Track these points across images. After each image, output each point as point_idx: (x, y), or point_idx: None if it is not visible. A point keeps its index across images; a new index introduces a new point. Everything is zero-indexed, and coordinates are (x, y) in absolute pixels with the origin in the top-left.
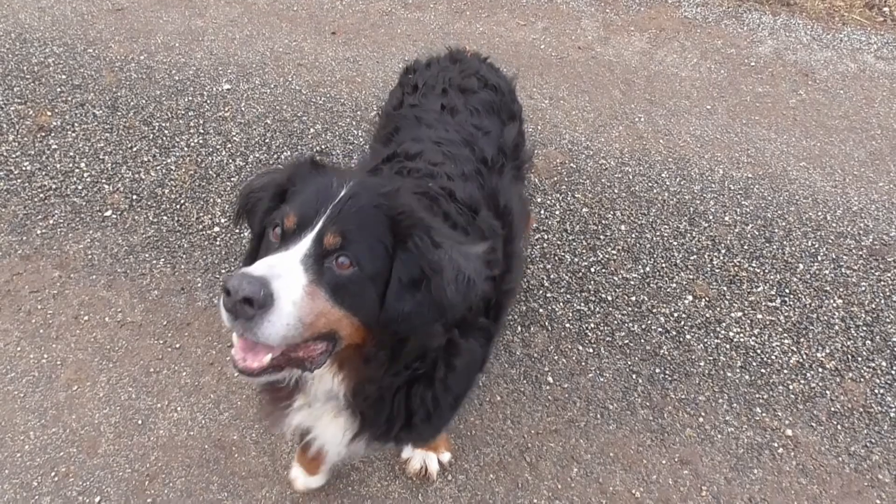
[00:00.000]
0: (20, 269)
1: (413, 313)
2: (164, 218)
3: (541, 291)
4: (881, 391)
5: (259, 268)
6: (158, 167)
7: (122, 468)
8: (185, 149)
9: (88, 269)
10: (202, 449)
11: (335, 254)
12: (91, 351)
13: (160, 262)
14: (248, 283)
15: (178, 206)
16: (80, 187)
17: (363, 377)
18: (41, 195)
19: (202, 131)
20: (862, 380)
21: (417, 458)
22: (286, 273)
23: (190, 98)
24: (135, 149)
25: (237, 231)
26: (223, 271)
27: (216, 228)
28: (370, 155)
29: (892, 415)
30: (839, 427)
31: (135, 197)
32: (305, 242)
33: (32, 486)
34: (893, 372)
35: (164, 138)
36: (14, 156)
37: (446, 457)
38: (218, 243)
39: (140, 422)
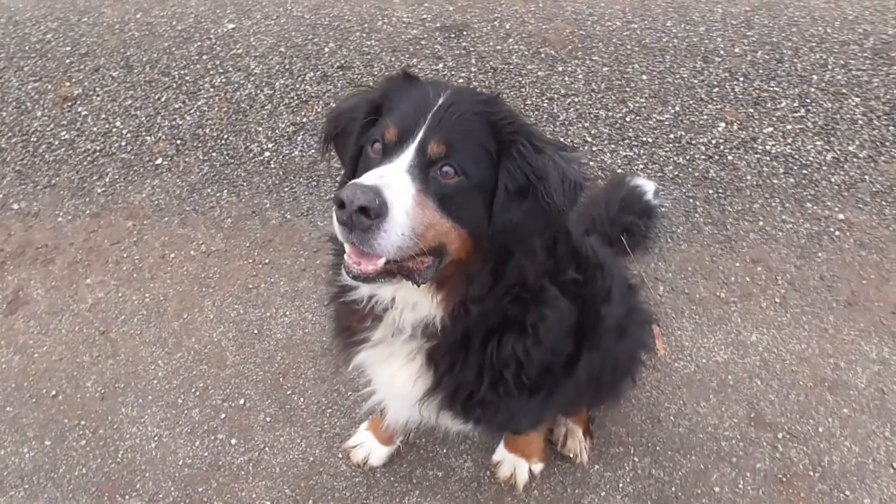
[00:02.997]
0: (94, 227)
1: (521, 223)
2: (214, 154)
3: (586, 147)
4: None
5: (369, 178)
6: (192, 111)
7: (253, 372)
8: (212, 89)
9: (159, 213)
10: (321, 341)
11: (440, 163)
12: (188, 282)
13: (224, 193)
14: (363, 192)
15: (223, 142)
16: (122, 143)
17: (465, 297)
18: (88, 158)
19: (221, 70)
20: (894, 160)
21: (508, 463)
22: (395, 182)
23: (199, 43)
24: (163, 99)
25: (321, 157)
26: (286, 190)
27: (266, 153)
28: None
29: None
30: (883, 203)
31: (179, 141)
32: (409, 153)
33: (178, 403)
34: None
35: (188, 84)
36: (49, 129)
37: (538, 467)
38: (273, 166)
39: (256, 331)
